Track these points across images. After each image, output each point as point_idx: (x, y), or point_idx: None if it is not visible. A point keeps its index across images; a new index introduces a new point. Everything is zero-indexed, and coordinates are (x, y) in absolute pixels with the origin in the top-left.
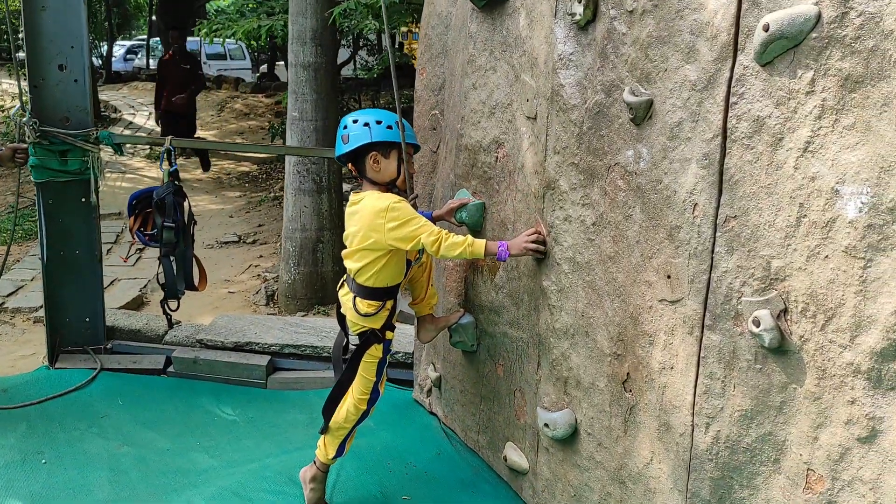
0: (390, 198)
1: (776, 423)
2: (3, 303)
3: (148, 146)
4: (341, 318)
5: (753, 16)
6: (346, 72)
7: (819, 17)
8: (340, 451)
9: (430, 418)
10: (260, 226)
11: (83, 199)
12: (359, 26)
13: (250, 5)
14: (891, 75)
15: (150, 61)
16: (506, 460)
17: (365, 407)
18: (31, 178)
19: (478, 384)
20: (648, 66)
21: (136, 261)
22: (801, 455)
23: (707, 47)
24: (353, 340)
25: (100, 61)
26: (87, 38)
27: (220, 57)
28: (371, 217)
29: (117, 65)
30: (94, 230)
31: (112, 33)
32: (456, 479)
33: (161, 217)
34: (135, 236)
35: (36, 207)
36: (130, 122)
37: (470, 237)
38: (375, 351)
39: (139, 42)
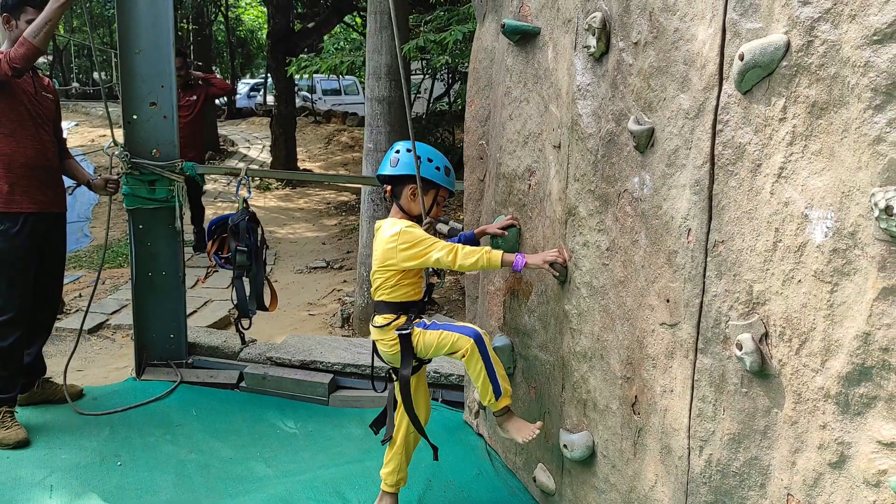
0: (402, 223)
1: (761, 447)
2: (108, 320)
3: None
4: (374, 348)
5: (735, 45)
6: (443, 105)
7: (788, 45)
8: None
9: (477, 439)
10: (348, 252)
11: (169, 225)
12: (433, 61)
13: (343, 43)
14: (849, 102)
15: (268, 98)
16: (535, 481)
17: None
18: (123, 206)
19: (514, 406)
20: (650, 96)
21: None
22: (782, 480)
23: (697, 77)
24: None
25: (224, 98)
26: (175, 78)
27: (336, 92)
28: (385, 242)
29: (241, 101)
30: (178, 253)
31: (235, 72)
32: (491, 499)
33: (235, 241)
34: (212, 259)
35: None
36: (245, 155)
37: (487, 247)
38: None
39: (262, 80)
